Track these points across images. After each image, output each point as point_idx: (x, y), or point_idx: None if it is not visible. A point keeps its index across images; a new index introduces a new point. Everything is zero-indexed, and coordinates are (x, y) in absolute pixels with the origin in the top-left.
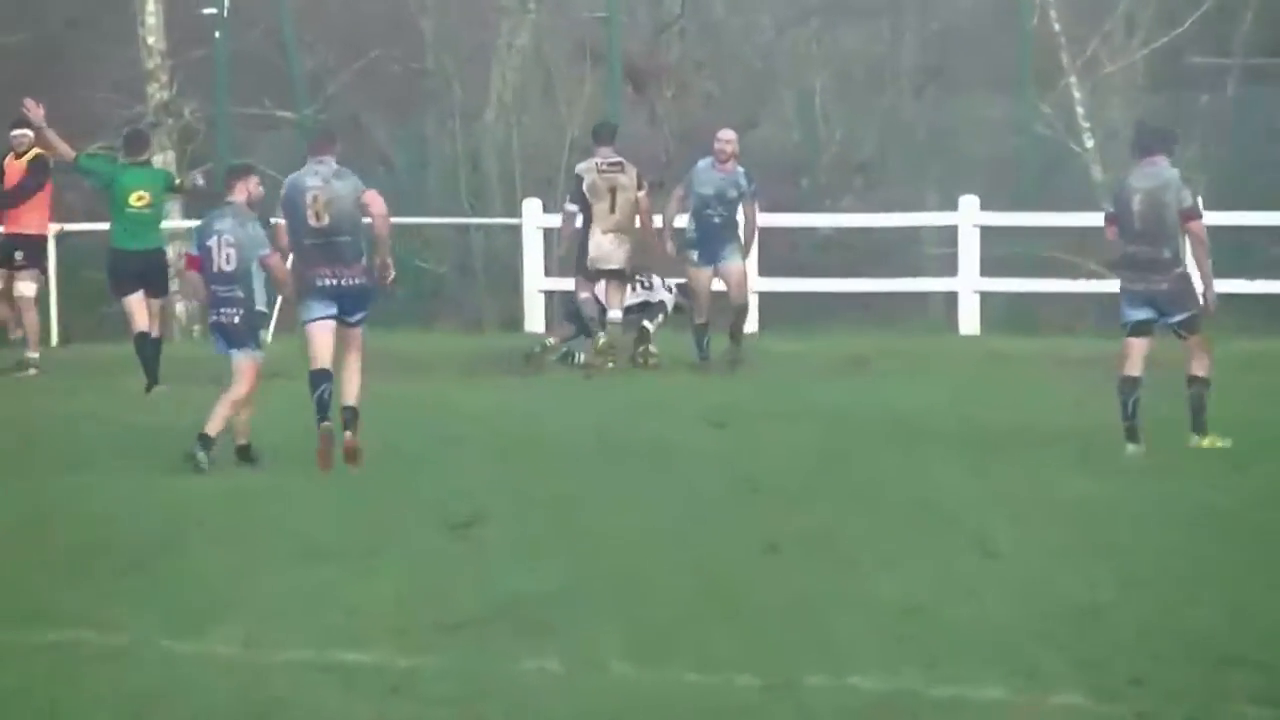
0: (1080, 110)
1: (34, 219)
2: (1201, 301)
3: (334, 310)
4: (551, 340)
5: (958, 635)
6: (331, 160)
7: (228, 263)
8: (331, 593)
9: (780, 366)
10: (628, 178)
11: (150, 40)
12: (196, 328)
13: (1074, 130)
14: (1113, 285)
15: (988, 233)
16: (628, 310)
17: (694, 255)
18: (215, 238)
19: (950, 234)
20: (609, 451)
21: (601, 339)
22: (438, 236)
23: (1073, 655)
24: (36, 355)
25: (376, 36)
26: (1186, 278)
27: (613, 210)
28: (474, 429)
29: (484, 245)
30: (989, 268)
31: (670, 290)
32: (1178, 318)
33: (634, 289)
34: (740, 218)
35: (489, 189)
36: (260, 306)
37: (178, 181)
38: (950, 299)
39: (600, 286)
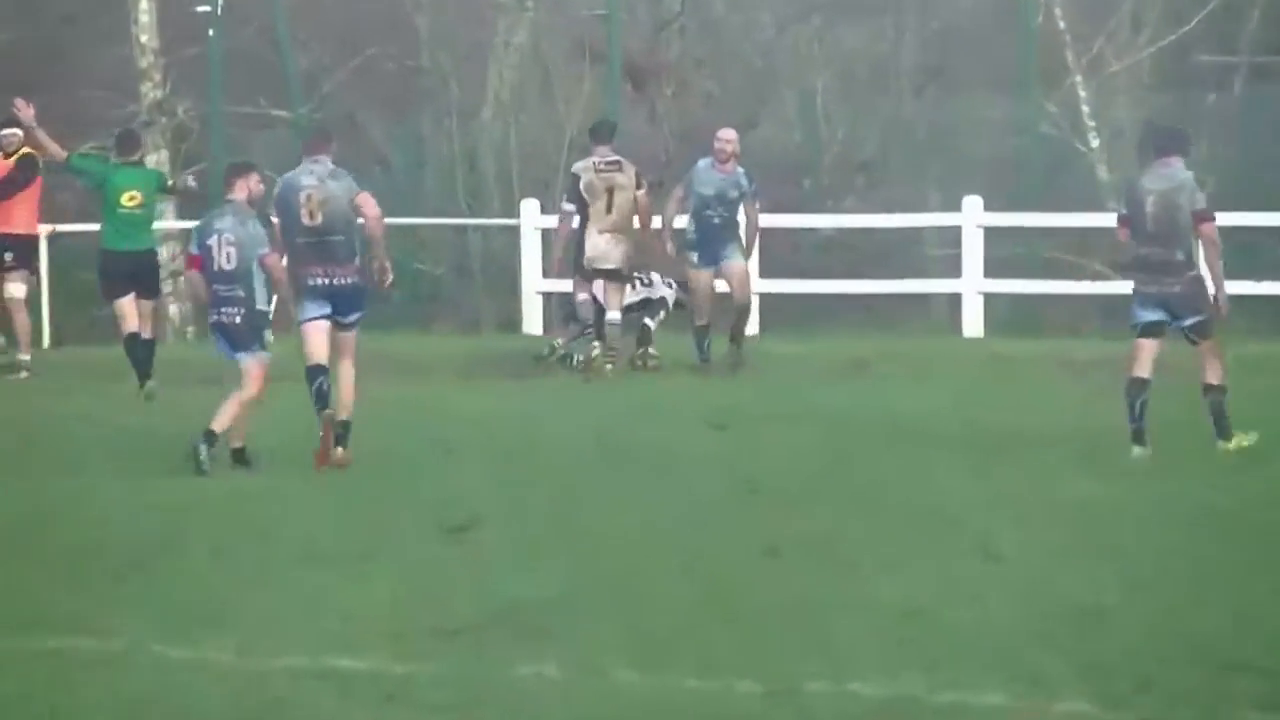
0: (1085, 109)
1: (23, 218)
2: (1214, 304)
3: (328, 310)
4: (559, 341)
5: (959, 640)
6: (327, 160)
7: (228, 262)
8: (327, 598)
9: (781, 369)
10: (625, 177)
11: (143, 38)
12: (190, 329)
13: (1079, 129)
14: (1118, 287)
15: (991, 233)
16: (628, 309)
17: (694, 257)
18: (215, 236)
19: (953, 235)
20: (607, 454)
21: (595, 351)
22: (435, 237)
23: (1076, 660)
24: (28, 357)
25: (372, 34)
26: (1200, 280)
27: (609, 210)
28: (471, 432)
29: (481, 246)
30: (993, 269)
31: (670, 286)
32: (1190, 321)
33: (633, 286)
34: (741, 218)
35: (486, 189)
36: (262, 306)
37: (170, 183)
38: (953, 301)
39: (598, 286)
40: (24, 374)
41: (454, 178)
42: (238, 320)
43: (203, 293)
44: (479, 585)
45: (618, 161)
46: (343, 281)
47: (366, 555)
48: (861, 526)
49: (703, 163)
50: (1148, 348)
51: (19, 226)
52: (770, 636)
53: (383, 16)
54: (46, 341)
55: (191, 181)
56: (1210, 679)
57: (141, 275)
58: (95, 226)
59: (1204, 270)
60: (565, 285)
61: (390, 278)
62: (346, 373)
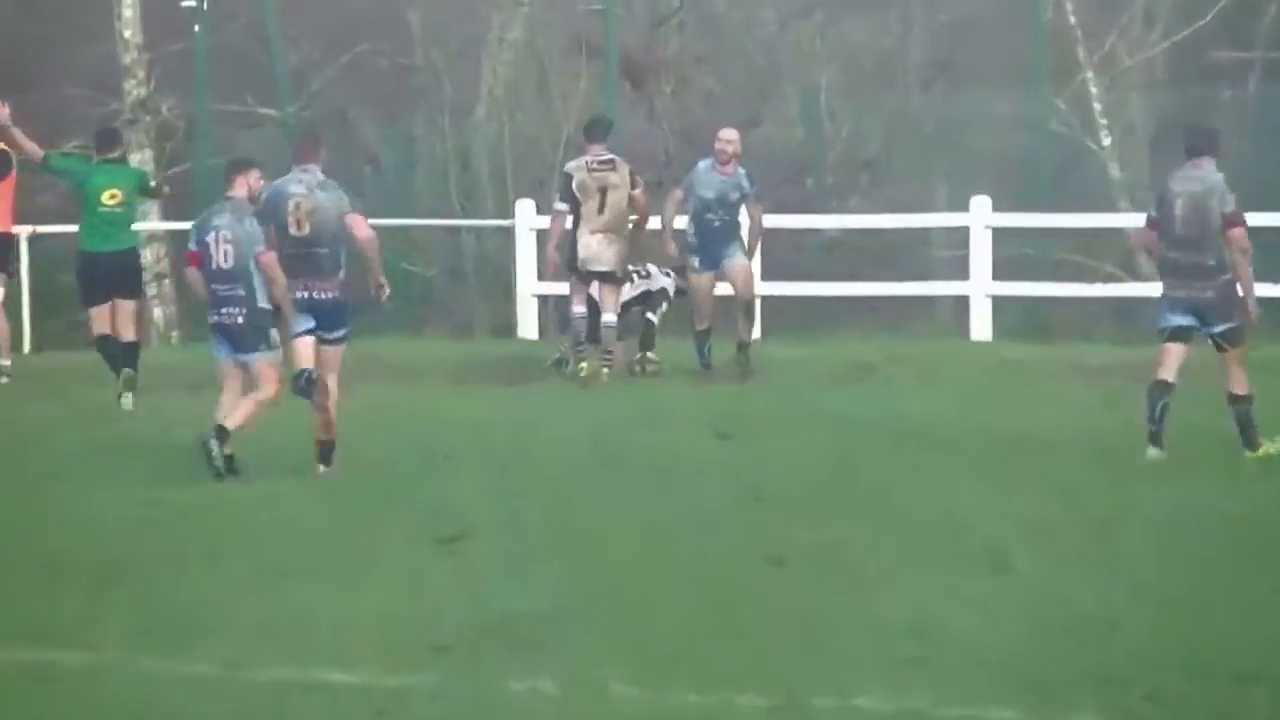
0: (1097, 106)
1: None
2: (1249, 312)
3: (312, 324)
4: (565, 346)
5: (968, 652)
6: (316, 170)
7: (226, 260)
8: (316, 610)
9: (784, 373)
10: (619, 176)
11: (127, 34)
12: (175, 333)
13: (1090, 127)
14: (1131, 289)
15: (1000, 234)
16: (629, 304)
17: (695, 261)
18: (213, 234)
19: (961, 235)
20: (605, 462)
21: (584, 368)
22: (427, 238)
23: (1086, 672)
24: (8, 362)
25: (363, 30)
26: (1233, 285)
27: (602, 210)
28: (464, 439)
29: (475, 248)
30: (1001, 271)
31: (668, 275)
32: (1220, 328)
33: (631, 281)
34: (743, 219)
35: (480, 189)
36: (264, 304)
37: (152, 184)
38: (961, 303)
39: (595, 288)
40: (3, 379)
41: (447, 177)
42: (240, 320)
43: (201, 291)
44: (472, 597)
45: (611, 160)
46: (323, 296)
47: (357, 566)
48: (868, 536)
49: (703, 164)
50: (1175, 352)
51: None
52: (774, 649)
53: (374, 12)
54: (27, 346)
55: (166, 188)
56: (1223, 691)
57: (122, 276)
58: (77, 228)
59: None
60: (562, 289)
61: (387, 293)
62: (329, 389)
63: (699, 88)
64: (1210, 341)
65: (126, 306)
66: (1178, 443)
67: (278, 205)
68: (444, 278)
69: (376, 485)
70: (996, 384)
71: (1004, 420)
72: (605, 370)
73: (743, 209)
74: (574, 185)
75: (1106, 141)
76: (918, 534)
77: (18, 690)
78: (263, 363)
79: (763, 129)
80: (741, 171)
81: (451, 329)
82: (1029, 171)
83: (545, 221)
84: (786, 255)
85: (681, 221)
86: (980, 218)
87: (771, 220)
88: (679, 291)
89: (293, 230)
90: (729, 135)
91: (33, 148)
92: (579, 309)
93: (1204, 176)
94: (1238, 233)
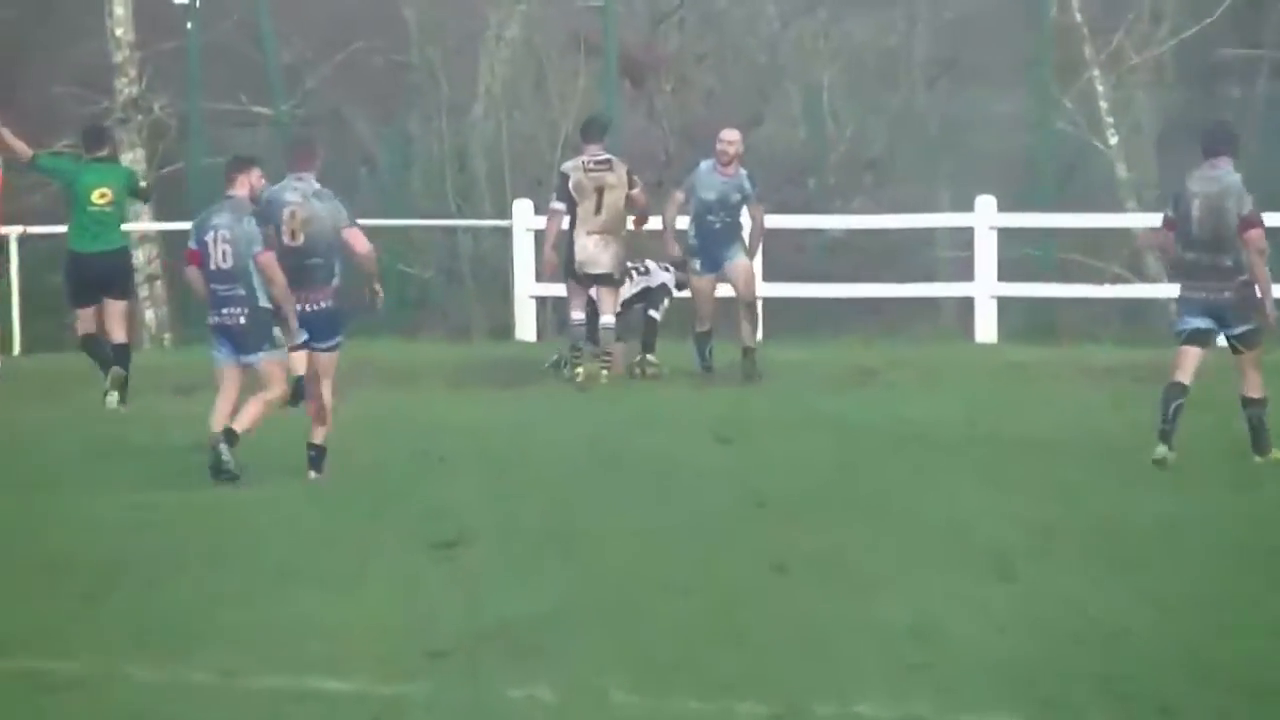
0: (1104, 105)
1: None
2: (1268, 314)
3: (305, 336)
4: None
5: (972, 660)
6: (311, 178)
7: (224, 260)
8: (311, 616)
9: (786, 376)
10: (616, 177)
11: (118, 31)
12: (168, 336)
13: (1097, 126)
14: (1137, 291)
15: (1005, 235)
16: (630, 301)
17: (695, 264)
18: (212, 233)
19: (965, 236)
20: (604, 466)
21: (580, 373)
22: (423, 239)
23: (1094, 682)
24: None
25: (358, 28)
26: (1251, 287)
27: (598, 211)
28: (461, 443)
29: (472, 248)
30: (1006, 272)
31: (667, 270)
32: (1238, 330)
33: (630, 278)
34: (744, 221)
35: (477, 189)
36: (265, 303)
37: (142, 184)
38: (965, 305)
39: (593, 291)
40: None
41: (443, 177)
42: (242, 321)
43: (202, 290)
44: (469, 603)
45: (608, 160)
46: (315, 307)
47: (352, 571)
48: (871, 541)
49: (704, 165)
50: (1192, 355)
51: None
52: (775, 656)
53: (369, 9)
54: (17, 348)
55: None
56: (1238, 702)
57: (113, 276)
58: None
59: None
60: (560, 290)
61: (381, 298)
62: (324, 396)
63: (700, 86)
64: (1228, 343)
65: (117, 307)
66: (1186, 445)
67: (273, 213)
68: (440, 279)
69: (372, 489)
70: (1001, 387)
71: (1009, 423)
72: (604, 371)
73: (744, 210)
74: (570, 185)
75: (1113, 140)
76: (921, 539)
77: (3, 700)
78: (268, 362)
79: (764, 128)
80: (743, 173)
81: (448, 331)
82: (1034, 171)
83: (543, 222)
84: (788, 256)
85: (682, 222)
86: (985, 218)
87: (773, 221)
88: (680, 285)
89: (286, 240)
90: (730, 136)
91: (21, 147)
92: (577, 315)
93: (1221, 177)
94: (1255, 234)
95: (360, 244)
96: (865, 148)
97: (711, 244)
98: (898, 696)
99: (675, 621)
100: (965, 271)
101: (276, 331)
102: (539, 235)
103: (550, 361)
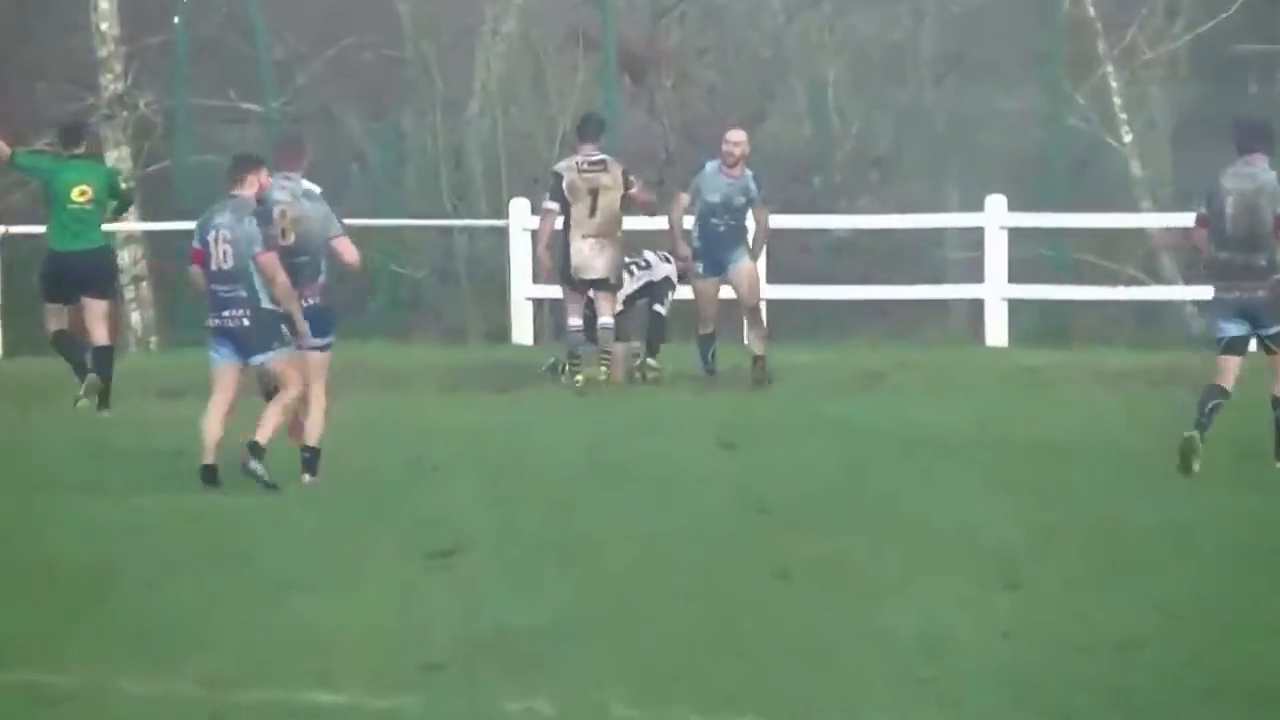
0: (1117, 101)
1: None
2: None
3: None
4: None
5: (981, 671)
6: (298, 177)
7: (225, 260)
8: (303, 627)
9: (791, 379)
10: (611, 178)
11: (103, 26)
12: (154, 339)
13: (1110, 123)
14: (1151, 293)
15: (1016, 235)
16: (633, 297)
17: (699, 267)
18: (213, 233)
19: (975, 236)
20: (603, 471)
21: (579, 380)
22: (417, 239)
23: (1107, 693)
24: None
25: (351, 22)
26: None
27: (593, 213)
28: (456, 448)
29: (467, 249)
30: (1017, 273)
31: (668, 260)
32: (1273, 330)
33: (631, 273)
34: (749, 223)
35: (473, 188)
36: (269, 304)
37: (124, 186)
38: (975, 307)
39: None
40: None
41: (438, 175)
42: (246, 322)
43: (203, 290)
44: (465, 613)
45: (603, 161)
46: (304, 304)
47: (345, 581)
48: (877, 549)
49: (710, 166)
50: (1233, 364)
51: None
52: (778, 667)
53: (362, 3)
54: (0, 352)
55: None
56: (1252, 712)
57: (93, 275)
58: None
59: None
60: (557, 293)
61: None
62: (315, 397)
63: (701, 82)
64: (1261, 343)
65: (98, 307)
66: (1205, 451)
67: (263, 210)
68: (435, 280)
69: (365, 496)
70: (1012, 391)
71: (1019, 428)
72: (604, 369)
73: (749, 213)
74: (564, 186)
75: (1127, 138)
76: (928, 546)
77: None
78: (280, 362)
79: (768, 125)
80: (749, 174)
81: (442, 334)
82: (1046, 169)
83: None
84: (793, 257)
85: (686, 223)
86: (995, 218)
87: (778, 220)
88: (682, 276)
89: (277, 239)
90: (736, 137)
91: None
92: (574, 321)
93: (1256, 174)
94: None
95: (349, 254)
96: (871, 145)
97: (715, 246)
98: (905, 710)
99: (676, 630)
100: (975, 273)
101: (284, 329)
102: (535, 235)
103: (548, 365)
